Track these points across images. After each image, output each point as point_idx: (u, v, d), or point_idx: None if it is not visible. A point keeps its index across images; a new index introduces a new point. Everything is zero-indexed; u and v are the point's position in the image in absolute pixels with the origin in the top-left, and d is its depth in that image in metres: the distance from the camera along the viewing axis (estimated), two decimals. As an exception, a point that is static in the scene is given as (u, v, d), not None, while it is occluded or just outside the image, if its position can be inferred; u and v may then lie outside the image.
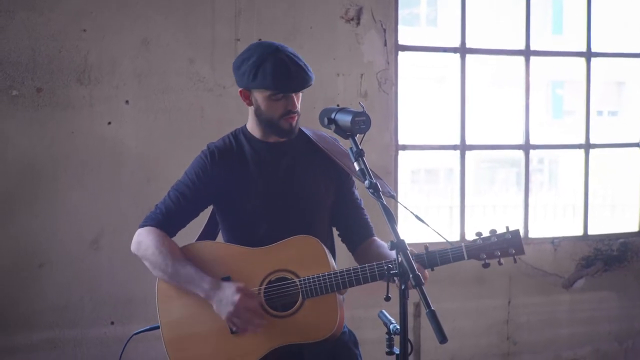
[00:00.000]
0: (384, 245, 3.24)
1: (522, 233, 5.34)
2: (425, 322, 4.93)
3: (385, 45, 4.90)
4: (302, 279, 3.08)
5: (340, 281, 3.06)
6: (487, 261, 3.06)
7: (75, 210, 4.40)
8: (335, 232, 3.40)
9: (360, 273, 3.06)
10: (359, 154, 2.89)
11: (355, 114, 2.91)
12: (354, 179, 3.33)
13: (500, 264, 3.08)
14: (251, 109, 3.22)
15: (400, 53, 4.99)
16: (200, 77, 4.54)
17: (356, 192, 3.36)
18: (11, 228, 4.33)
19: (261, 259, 3.13)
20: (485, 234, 3.08)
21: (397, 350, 2.81)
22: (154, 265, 3.17)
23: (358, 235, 3.33)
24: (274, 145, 3.25)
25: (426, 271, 3.04)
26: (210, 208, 3.35)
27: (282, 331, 3.08)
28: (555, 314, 5.42)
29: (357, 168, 2.89)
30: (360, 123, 2.91)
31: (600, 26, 5.63)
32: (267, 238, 3.16)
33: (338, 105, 4.59)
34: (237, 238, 3.24)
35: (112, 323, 4.49)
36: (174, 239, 3.23)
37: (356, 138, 2.96)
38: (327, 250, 3.14)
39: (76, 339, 4.44)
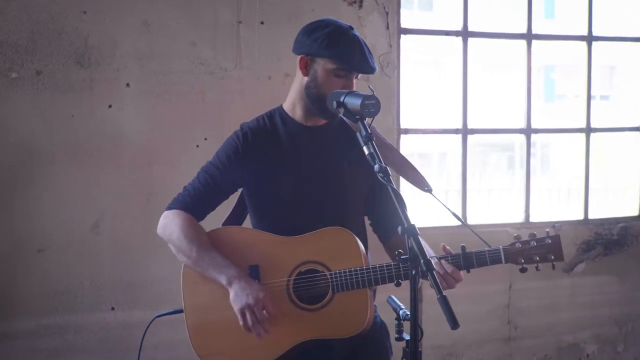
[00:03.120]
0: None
1: (523, 217, 5.38)
2: (427, 307, 4.93)
3: (388, 28, 4.85)
4: (333, 272, 3.01)
5: (372, 277, 2.99)
6: (524, 266, 3.01)
7: (75, 195, 4.35)
8: (367, 222, 3.32)
9: (393, 271, 2.98)
10: (368, 138, 2.83)
11: (365, 97, 2.86)
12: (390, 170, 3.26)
13: (538, 269, 3.03)
14: (300, 82, 3.14)
15: (402, 36, 4.94)
16: (202, 60, 4.49)
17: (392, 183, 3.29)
18: (10, 213, 4.28)
19: (292, 249, 3.06)
20: (525, 237, 3.03)
21: (406, 336, 2.78)
22: (179, 250, 3.12)
23: (391, 227, 3.22)
24: (310, 129, 3.18)
25: (461, 273, 2.97)
26: (239, 191, 3.28)
27: (309, 325, 3.01)
28: (556, 299, 5.40)
29: (366, 152, 2.81)
30: (370, 106, 2.84)
31: (596, 10, 5.57)
32: (297, 225, 3.08)
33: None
34: (266, 223, 3.17)
35: (113, 309, 4.45)
36: (202, 222, 3.17)
37: (365, 121, 2.91)
38: (360, 244, 3.05)
39: (76, 325, 4.40)
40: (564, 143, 21.31)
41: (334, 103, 2.98)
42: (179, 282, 4.45)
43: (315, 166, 3.07)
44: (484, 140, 22.47)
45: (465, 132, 5.19)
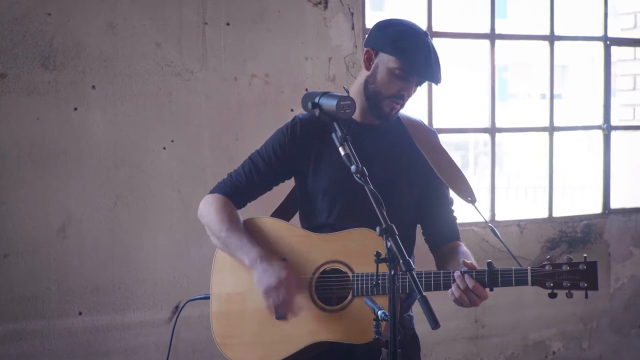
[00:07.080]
0: (467, 253, 3.11)
1: (488, 216, 5.40)
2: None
3: (353, 28, 4.86)
4: (356, 274, 2.96)
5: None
6: (554, 291, 2.82)
7: (41, 198, 4.29)
8: (420, 231, 3.27)
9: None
10: (344, 139, 2.78)
11: (341, 98, 2.82)
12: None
13: (569, 296, 2.83)
14: (362, 77, 3.08)
15: (367, 37, 4.94)
16: (168, 61, 4.45)
17: (446, 191, 3.20)
18: (-25, 218, 4.21)
19: (320, 247, 3.01)
20: (561, 260, 2.83)
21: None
22: (211, 232, 3.09)
23: (440, 236, 3.19)
24: (365, 127, 3.12)
25: (486, 290, 2.88)
26: (290, 183, 3.23)
27: (325, 326, 2.96)
28: (521, 296, 5.43)
29: (342, 153, 2.76)
30: (346, 107, 2.80)
31: (542, 10, 5.63)
32: (335, 224, 3.04)
33: (307, 90, 4.54)
34: (307, 218, 3.14)
35: (80, 313, 4.39)
36: (243, 210, 3.14)
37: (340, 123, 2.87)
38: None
39: (43, 331, 4.34)
40: (517, 142, 21.45)
41: (309, 104, 2.91)
42: (147, 285, 4.46)
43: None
44: (440, 139, 22.62)
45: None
